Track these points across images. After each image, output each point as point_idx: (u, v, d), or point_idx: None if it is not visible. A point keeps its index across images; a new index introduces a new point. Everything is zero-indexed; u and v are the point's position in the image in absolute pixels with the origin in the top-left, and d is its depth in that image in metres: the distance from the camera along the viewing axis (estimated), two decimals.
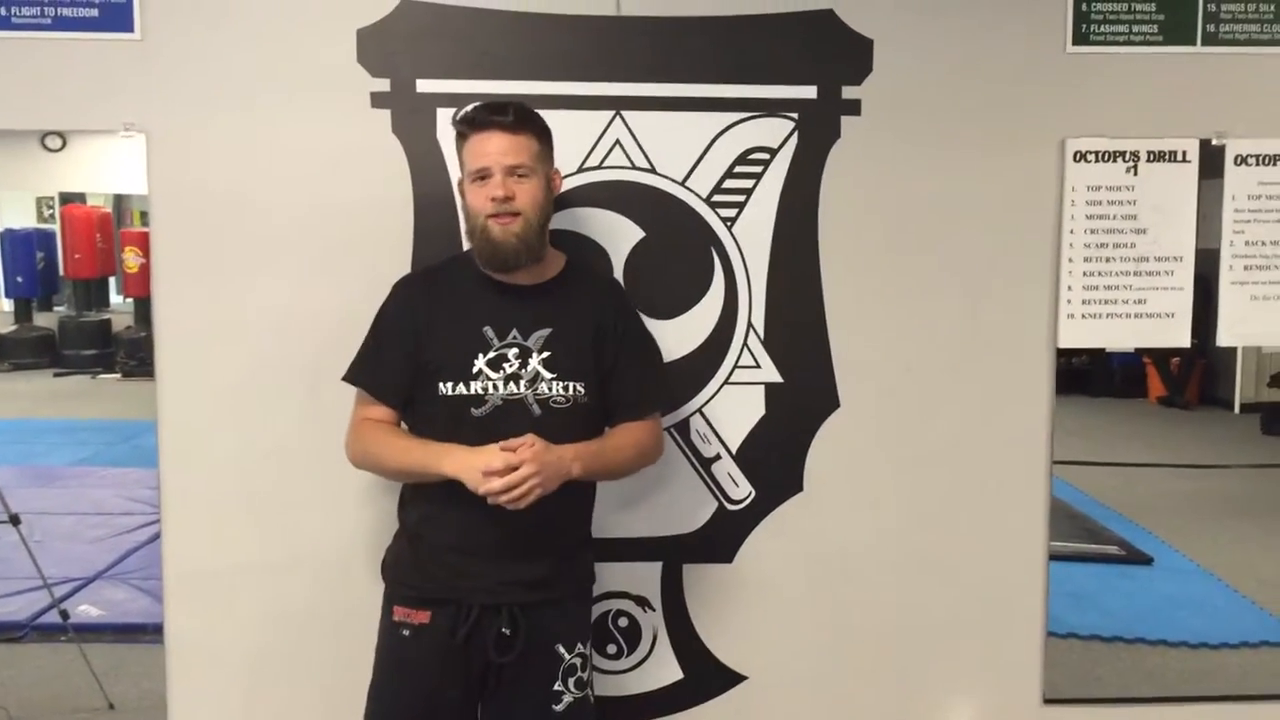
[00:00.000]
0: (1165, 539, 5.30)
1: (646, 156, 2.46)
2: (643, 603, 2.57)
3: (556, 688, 2.11)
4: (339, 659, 2.42)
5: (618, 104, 2.44)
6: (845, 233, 2.50)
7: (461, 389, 2.05)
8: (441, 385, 2.06)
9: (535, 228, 2.07)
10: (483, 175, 2.04)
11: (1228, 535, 5.41)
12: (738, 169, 2.47)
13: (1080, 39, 2.51)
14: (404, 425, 2.16)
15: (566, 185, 2.43)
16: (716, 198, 2.48)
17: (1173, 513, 5.78)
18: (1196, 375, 9.16)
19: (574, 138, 2.43)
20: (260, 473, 2.41)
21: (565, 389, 2.08)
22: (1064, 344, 2.55)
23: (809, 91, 2.47)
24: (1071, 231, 2.53)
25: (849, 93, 2.47)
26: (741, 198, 2.48)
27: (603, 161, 2.45)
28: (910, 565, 2.60)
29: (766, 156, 2.48)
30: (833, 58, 2.47)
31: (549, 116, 2.39)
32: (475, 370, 2.05)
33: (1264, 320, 2.57)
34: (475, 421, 2.05)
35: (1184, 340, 2.57)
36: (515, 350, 2.07)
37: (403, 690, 2.11)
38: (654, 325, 2.47)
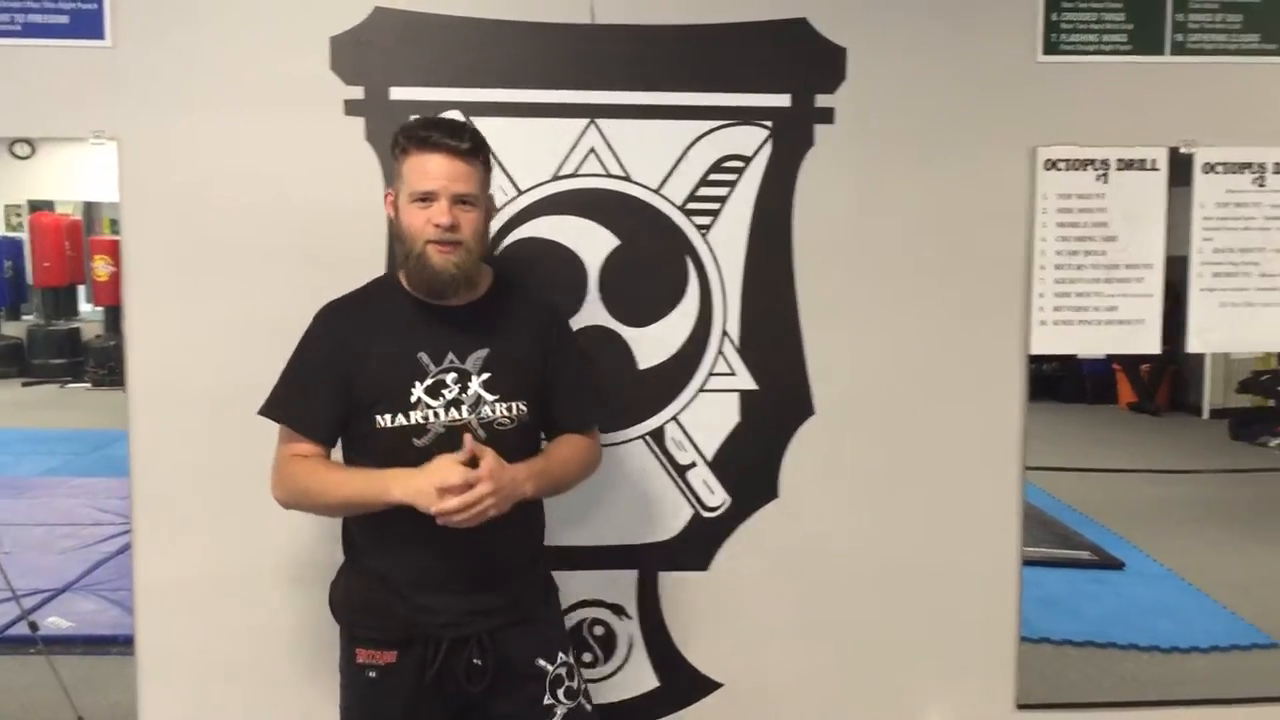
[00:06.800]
0: (1136, 544, 5.33)
1: (621, 164, 2.46)
2: (618, 610, 2.57)
3: (547, 701, 2.05)
4: (311, 671, 2.41)
5: (592, 112, 2.44)
6: (819, 240, 2.51)
7: (401, 420, 1.96)
8: (379, 418, 1.96)
9: (475, 257, 1.98)
10: (426, 198, 1.93)
11: (1198, 540, 5.45)
12: (712, 177, 2.48)
13: (1051, 48, 2.53)
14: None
15: (540, 194, 2.43)
16: (691, 205, 2.48)
17: (1143, 518, 5.81)
18: (1166, 381, 9.27)
19: (548, 145, 2.43)
20: (232, 482, 2.39)
21: (509, 410, 1.99)
22: (1036, 350, 2.56)
23: (783, 99, 2.48)
24: (1043, 239, 2.55)
25: (822, 101, 2.49)
26: (716, 205, 2.48)
27: (577, 169, 2.45)
28: (885, 571, 2.61)
29: (741, 164, 2.48)
30: (806, 66, 2.48)
31: (523, 124, 2.41)
32: (414, 399, 1.96)
33: (1232, 327, 2.59)
34: (418, 452, 1.94)
35: (1154, 346, 2.59)
36: (453, 375, 1.98)
37: None
38: (628, 333, 2.48)
